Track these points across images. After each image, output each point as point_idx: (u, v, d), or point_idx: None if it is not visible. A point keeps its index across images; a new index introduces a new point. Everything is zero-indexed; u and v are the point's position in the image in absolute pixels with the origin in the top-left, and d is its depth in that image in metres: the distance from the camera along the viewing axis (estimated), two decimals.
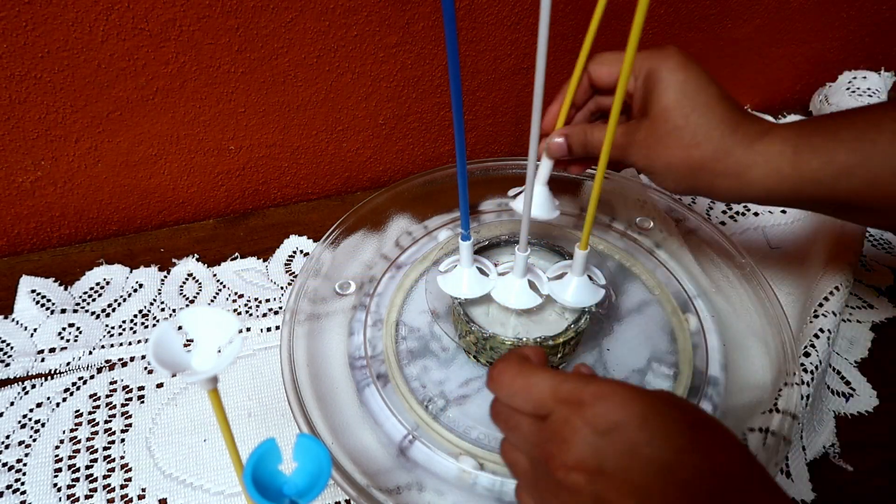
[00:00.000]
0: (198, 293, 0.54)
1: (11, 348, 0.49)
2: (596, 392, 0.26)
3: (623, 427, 0.25)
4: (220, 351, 0.23)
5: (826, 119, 0.36)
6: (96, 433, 0.45)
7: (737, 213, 0.61)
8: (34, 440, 0.44)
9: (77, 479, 0.42)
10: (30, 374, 0.48)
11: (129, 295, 0.53)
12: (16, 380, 0.47)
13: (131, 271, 0.55)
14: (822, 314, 0.47)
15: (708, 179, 0.37)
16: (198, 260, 0.56)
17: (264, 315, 0.52)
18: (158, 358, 0.22)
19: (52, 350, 0.49)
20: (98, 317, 0.51)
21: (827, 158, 0.34)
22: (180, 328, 0.24)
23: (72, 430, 0.45)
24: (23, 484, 0.42)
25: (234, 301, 0.53)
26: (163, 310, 0.52)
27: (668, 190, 0.39)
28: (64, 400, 0.46)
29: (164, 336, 0.23)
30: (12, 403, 0.46)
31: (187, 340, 0.24)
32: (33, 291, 0.52)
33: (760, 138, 0.36)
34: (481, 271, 0.44)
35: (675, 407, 0.26)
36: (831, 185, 0.35)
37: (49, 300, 0.52)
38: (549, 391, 0.28)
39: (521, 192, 0.45)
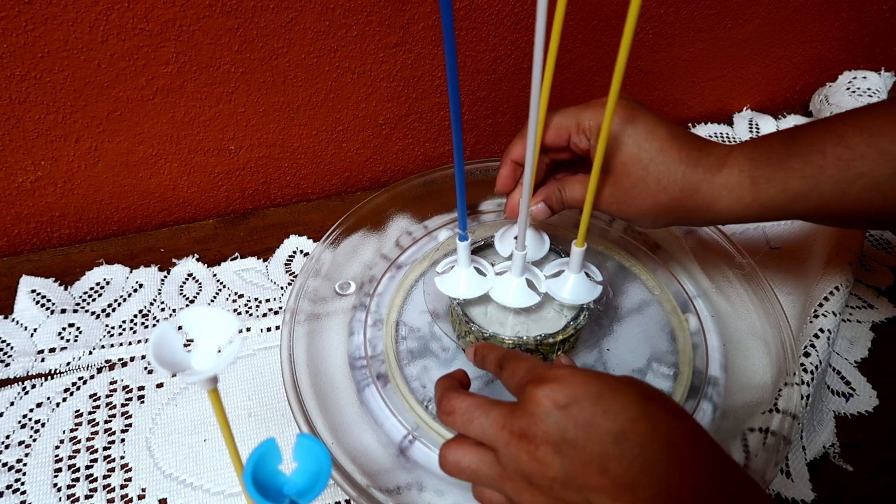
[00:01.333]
0: (198, 293, 0.54)
1: (11, 348, 0.49)
2: (558, 374, 0.29)
3: (581, 401, 0.28)
4: (220, 351, 0.23)
5: (776, 143, 0.37)
6: (96, 433, 0.45)
7: None
8: (34, 440, 0.44)
9: (77, 479, 0.42)
10: (30, 374, 0.48)
11: (129, 295, 0.53)
12: (16, 380, 0.47)
13: (131, 271, 0.55)
14: (822, 314, 0.47)
15: (681, 214, 0.39)
16: (198, 260, 0.56)
17: (264, 315, 0.52)
18: (158, 358, 0.22)
19: (52, 350, 0.49)
20: (98, 317, 0.51)
21: (781, 187, 0.36)
22: (180, 328, 0.24)
23: (72, 430, 0.45)
24: (23, 484, 0.42)
25: (234, 301, 0.53)
26: (163, 310, 0.52)
27: (645, 228, 0.40)
28: (64, 400, 0.46)
29: (164, 336, 0.23)
30: (12, 403, 0.46)
31: (187, 340, 0.24)
32: (33, 291, 0.52)
33: (720, 169, 0.37)
34: (479, 271, 0.44)
35: (630, 384, 0.29)
36: (788, 209, 0.37)
37: (49, 300, 0.52)
38: (524, 372, 0.31)
39: (506, 231, 0.46)
